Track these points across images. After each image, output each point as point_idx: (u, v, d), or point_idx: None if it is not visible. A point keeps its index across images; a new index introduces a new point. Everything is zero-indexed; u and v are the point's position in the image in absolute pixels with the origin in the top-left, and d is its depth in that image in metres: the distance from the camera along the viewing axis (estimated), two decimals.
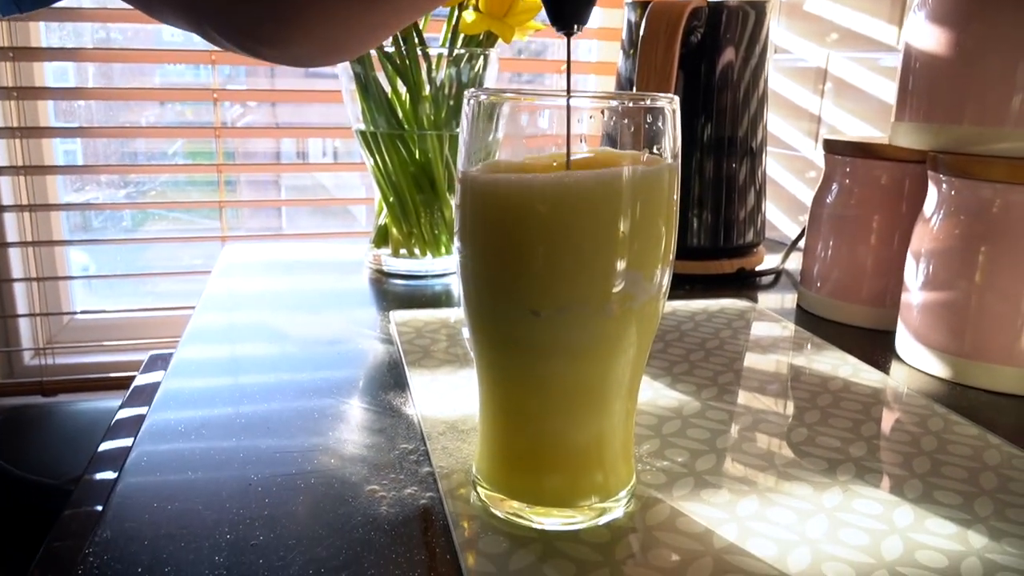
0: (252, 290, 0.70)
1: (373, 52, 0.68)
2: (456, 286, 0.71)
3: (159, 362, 0.71)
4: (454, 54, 0.70)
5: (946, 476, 0.38)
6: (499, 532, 0.33)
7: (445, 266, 0.75)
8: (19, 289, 1.16)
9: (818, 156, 0.91)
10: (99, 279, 1.29)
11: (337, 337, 0.58)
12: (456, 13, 0.69)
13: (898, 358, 0.55)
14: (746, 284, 0.76)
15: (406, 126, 0.71)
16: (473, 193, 0.31)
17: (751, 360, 0.54)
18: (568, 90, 0.30)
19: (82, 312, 1.24)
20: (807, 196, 0.93)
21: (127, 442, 0.56)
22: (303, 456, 0.40)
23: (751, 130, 0.77)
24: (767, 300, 0.72)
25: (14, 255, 1.16)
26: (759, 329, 0.61)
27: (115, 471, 0.47)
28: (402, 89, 0.70)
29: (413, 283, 0.73)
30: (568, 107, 0.29)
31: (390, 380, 0.50)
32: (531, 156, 0.32)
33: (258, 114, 1.42)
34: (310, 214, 1.59)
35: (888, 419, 0.45)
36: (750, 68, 0.75)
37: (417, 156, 0.72)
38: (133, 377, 0.80)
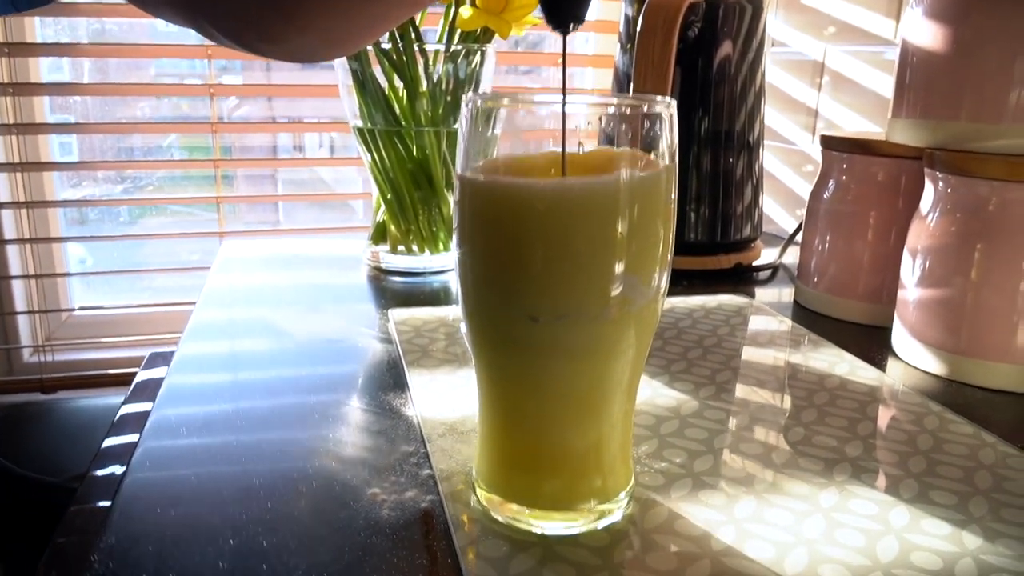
0: (251, 286, 0.70)
1: (370, 48, 0.68)
2: (454, 283, 0.71)
3: (159, 360, 0.71)
4: (451, 50, 0.70)
5: (941, 476, 0.38)
6: (499, 536, 0.33)
7: (443, 263, 0.75)
8: (17, 286, 1.16)
9: (815, 150, 0.91)
10: (97, 275, 1.28)
11: (336, 336, 0.58)
12: (453, 9, 0.69)
13: (894, 355, 0.56)
14: (743, 279, 0.76)
15: (403, 122, 0.71)
16: (472, 196, 0.31)
17: (748, 357, 0.54)
18: (564, 90, 0.30)
19: (80, 309, 1.24)
20: (804, 190, 0.93)
21: (131, 438, 0.56)
22: (305, 457, 0.40)
23: (748, 124, 0.77)
24: (764, 295, 0.72)
25: (12, 252, 1.16)
26: (756, 325, 0.61)
27: (120, 466, 0.47)
28: (399, 85, 0.70)
29: (412, 280, 0.73)
30: (564, 115, 0.30)
31: (389, 380, 0.50)
32: (528, 154, 0.32)
33: (254, 107, 1.42)
34: (308, 207, 1.59)
35: (884, 417, 0.45)
36: (747, 62, 0.75)
37: (415, 153, 0.72)
38: (133, 374, 0.80)
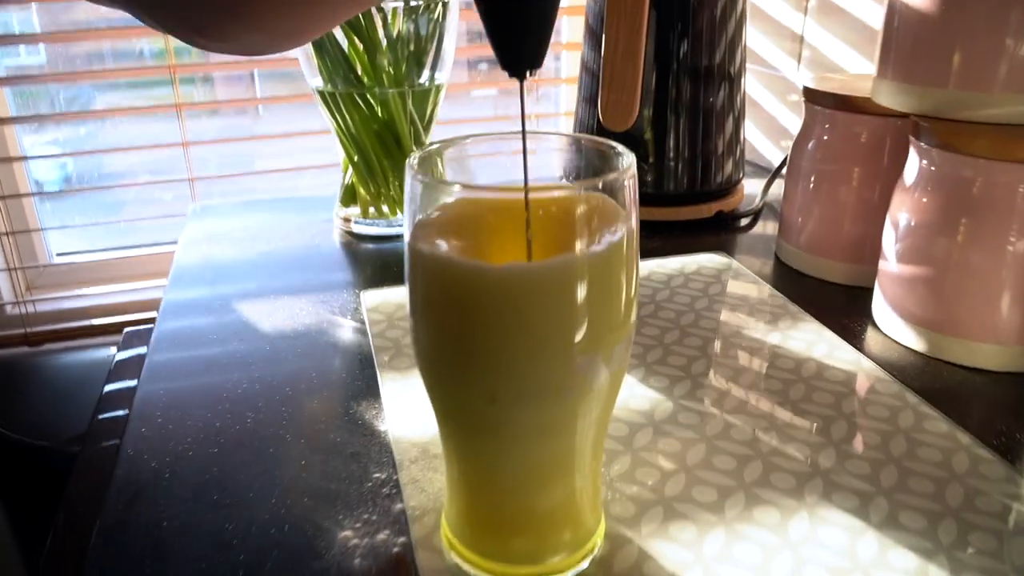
0: (219, 263, 0.68)
1: None
2: None
3: (135, 340, 0.71)
4: (410, 4, 0.65)
5: (913, 491, 0.38)
6: None
7: None
8: None
9: (801, 77, 0.87)
10: (75, 228, 1.26)
11: (304, 327, 0.56)
12: None
13: (875, 325, 0.55)
14: (725, 228, 0.74)
15: (366, 82, 0.67)
16: (423, 271, 0.29)
17: (725, 340, 0.53)
18: (524, 161, 0.28)
19: (59, 255, 1.22)
20: (789, 121, 0.90)
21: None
22: (278, 496, 0.39)
23: (729, 54, 0.73)
24: (745, 243, 0.71)
25: None
26: (735, 293, 0.60)
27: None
28: (360, 45, 0.66)
29: (385, 246, 0.71)
30: (526, 192, 0.27)
31: (362, 384, 0.49)
32: (481, 207, 0.30)
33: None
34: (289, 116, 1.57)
35: (859, 415, 0.45)
36: None
37: (380, 113, 0.69)
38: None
